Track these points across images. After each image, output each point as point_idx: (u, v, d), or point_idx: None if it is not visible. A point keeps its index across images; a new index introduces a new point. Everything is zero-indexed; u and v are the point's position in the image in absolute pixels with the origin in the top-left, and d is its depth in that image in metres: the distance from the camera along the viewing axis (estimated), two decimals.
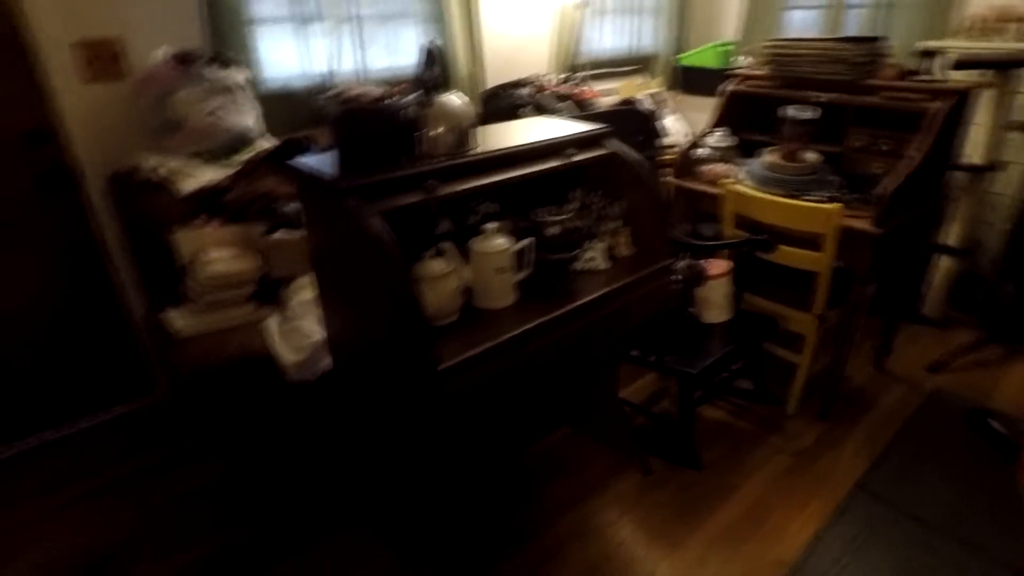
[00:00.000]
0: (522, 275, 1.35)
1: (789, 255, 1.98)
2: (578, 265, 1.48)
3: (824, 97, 2.16)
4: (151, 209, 1.82)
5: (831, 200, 1.96)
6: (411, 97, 1.24)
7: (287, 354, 1.56)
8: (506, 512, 1.82)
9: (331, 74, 2.41)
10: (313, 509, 1.81)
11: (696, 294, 2.00)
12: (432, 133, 1.24)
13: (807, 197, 2.00)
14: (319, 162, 1.25)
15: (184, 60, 1.83)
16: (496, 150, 1.33)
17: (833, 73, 2.10)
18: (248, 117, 1.97)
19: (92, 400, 2.19)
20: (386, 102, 1.18)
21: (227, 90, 1.88)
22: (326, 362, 1.58)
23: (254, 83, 2.09)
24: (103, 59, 1.87)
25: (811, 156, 2.13)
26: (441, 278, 1.22)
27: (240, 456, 1.97)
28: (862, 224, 1.87)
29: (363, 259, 1.15)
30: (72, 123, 1.88)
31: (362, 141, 1.19)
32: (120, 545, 1.71)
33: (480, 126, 1.40)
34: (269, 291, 1.77)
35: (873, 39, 2.10)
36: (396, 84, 1.31)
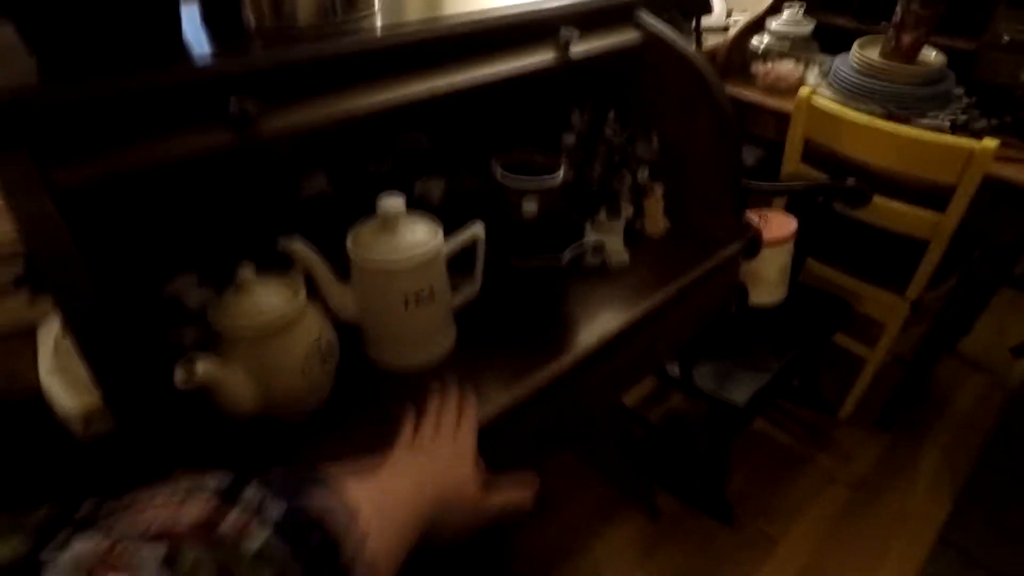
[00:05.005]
0: (464, 297, 0.68)
1: (891, 213, 1.31)
2: (570, 258, 0.81)
3: None
4: None
5: (958, 128, 1.27)
6: None
7: (67, 397, 0.90)
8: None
9: None
10: None
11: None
12: None
13: (921, 122, 1.30)
14: None
15: None
16: (415, 28, 0.62)
17: None
18: None
19: None
20: None
21: None
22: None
23: None
24: None
25: (933, 55, 1.39)
26: (271, 336, 0.55)
27: None
28: (1015, 172, 1.19)
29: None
30: None
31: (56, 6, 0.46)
32: None
33: None
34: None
35: None
36: None
